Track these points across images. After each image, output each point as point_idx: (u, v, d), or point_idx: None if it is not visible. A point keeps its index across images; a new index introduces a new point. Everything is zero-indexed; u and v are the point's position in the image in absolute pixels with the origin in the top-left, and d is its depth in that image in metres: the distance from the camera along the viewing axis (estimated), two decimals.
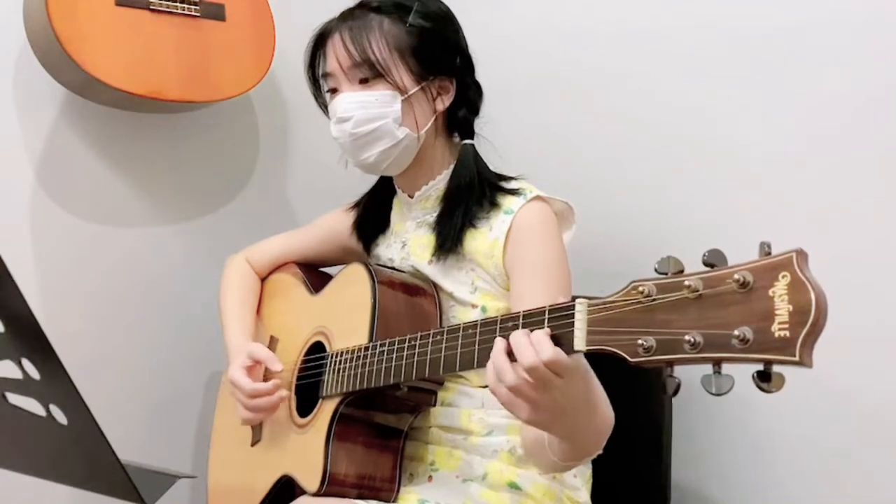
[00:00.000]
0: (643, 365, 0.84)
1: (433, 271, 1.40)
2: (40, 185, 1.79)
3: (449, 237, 1.36)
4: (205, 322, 1.88)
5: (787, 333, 0.73)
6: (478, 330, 1.07)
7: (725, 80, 1.59)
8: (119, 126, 1.87)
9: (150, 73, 1.69)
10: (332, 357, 1.35)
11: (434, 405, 1.33)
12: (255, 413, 1.41)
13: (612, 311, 0.88)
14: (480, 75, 1.45)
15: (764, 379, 0.76)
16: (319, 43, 1.43)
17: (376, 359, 1.24)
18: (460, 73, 1.42)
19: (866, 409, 1.44)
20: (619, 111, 1.72)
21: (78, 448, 0.93)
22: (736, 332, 0.76)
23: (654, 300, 0.84)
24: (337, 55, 1.38)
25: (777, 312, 0.74)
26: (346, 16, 1.40)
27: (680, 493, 1.56)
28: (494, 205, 1.36)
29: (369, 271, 1.36)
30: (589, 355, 0.95)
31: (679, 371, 0.85)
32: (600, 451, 1.16)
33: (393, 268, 1.44)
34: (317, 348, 1.42)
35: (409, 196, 1.46)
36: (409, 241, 1.46)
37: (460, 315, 1.37)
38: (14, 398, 0.94)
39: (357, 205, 1.57)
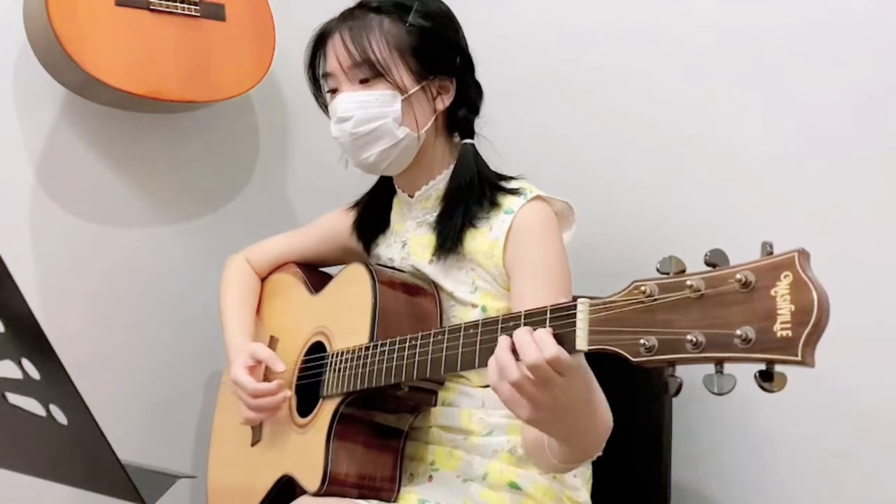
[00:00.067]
0: (645, 365, 0.84)
1: (433, 271, 1.40)
2: (40, 185, 1.79)
3: (449, 237, 1.36)
4: (205, 322, 1.88)
5: (790, 333, 0.73)
6: (479, 330, 1.07)
7: (725, 80, 1.59)
8: (119, 126, 1.87)
9: (150, 73, 1.68)
10: (332, 357, 1.35)
11: (435, 405, 1.33)
12: (257, 413, 1.41)
13: (613, 310, 0.88)
14: (480, 75, 1.45)
15: (766, 379, 0.76)
16: (319, 43, 1.43)
17: (377, 358, 1.24)
18: (460, 73, 1.42)
19: (866, 409, 1.44)
20: (619, 111, 1.72)
21: (78, 448, 0.93)
22: (738, 332, 0.76)
23: (655, 300, 0.84)
24: (337, 55, 1.38)
25: (779, 312, 0.74)
26: (346, 16, 1.40)
27: (680, 493, 1.56)
28: (495, 204, 1.36)
29: (370, 271, 1.35)
30: (590, 355, 0.95)
31: (679, 371, 0.85)
32: (600, 453, 1.16)
33: (393, 268, 1.44)
34: (317, 348, 1.42)
35: (409, 196, 1.46)
36: (409, 241, 1.46)
37: (461, 315, 1.37)
38: (14, 398, 0.94)
39: (357, 205, 1.57)
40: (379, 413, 1.32)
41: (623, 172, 1.72)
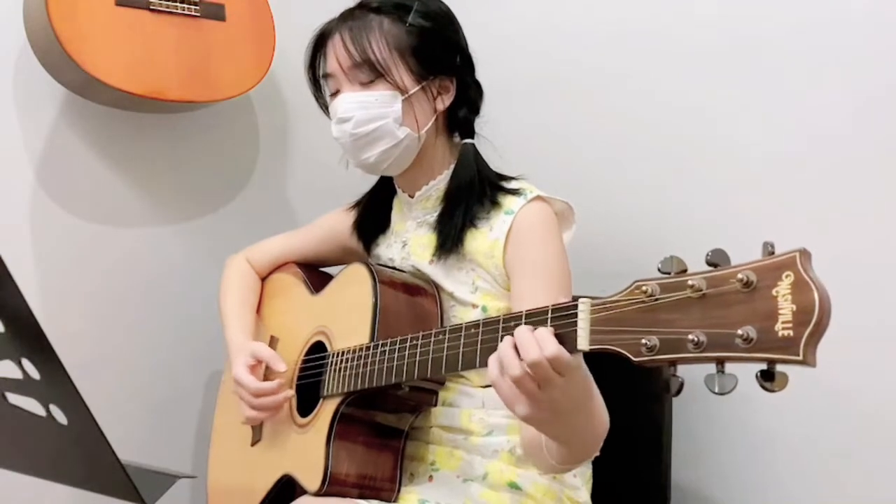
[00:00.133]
0: (646, 364, 0.84)
1: (434, 271, 1.40)
2: (40, 185, 1.79)
3: (450, 237, 1.36)
4: (205, 322, 1.88)
5: (791, 333, 0.73)
6: (480, 329, 1.07)
7: (725, 80, 1.59)
8: (119, 126, 1.87)
9: (150, 73, 1.68)
10: (332, 357, 1.35)
11: (435, 405, 1.33)
12: (259, 412, 1.41)
13: (615, 310, 0.88)
14: (480, 75, 1.45)
15: (767, 378, 0.76)
16: (319, 44, 1.43)
17: (377, 358, 1.24)
18: (460, 73, 1.42)
19: (866, 409, 1.44)
20: (619, 111, 1.72)
21: (78, 448, 0.93)
22: (739, 332, 0.76)
23: (657, 300, 0.84)
24: (337, 56, 1.38)
25: (781, 312, 0.74)
26: (346, 16, 1.40)
27: (680, 493, 1.56)
28: (495, 204, 1.36)
29: (370, 271, 1.35)
30: (590, 355, 0.95)
31: (680, 371, 0.85)
32: (597, 454, 1.16)
33: (394, 268, 1.44)
34: (317, 348, 1.42)
35: (410, 196, 1.46)
36: (409, 241, 1.46)
37: (461, 315, 1.37)
38: (14, 398, 0.94)
39: (357, 205, 1.57)
40: (379, 413, 1.32)
41: (623, 172, 1.72)
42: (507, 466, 1.33)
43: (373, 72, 1.35)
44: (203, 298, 1.87)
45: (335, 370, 1.33)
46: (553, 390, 0.97)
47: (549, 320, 0.97)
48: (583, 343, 0.92)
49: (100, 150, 1.85)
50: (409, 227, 1.47)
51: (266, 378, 1.44)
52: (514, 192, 1.37)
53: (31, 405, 0.92)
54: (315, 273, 1.62)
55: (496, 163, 1.43)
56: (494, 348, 1.00)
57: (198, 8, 1.74)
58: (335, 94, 1.41)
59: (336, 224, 1.59)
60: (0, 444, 1.02)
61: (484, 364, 1.03)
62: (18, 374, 0.89)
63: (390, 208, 1.53)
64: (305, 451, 1.34)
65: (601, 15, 1.75)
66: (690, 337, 0.80)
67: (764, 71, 1.54)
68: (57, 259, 1.81)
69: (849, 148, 1.46)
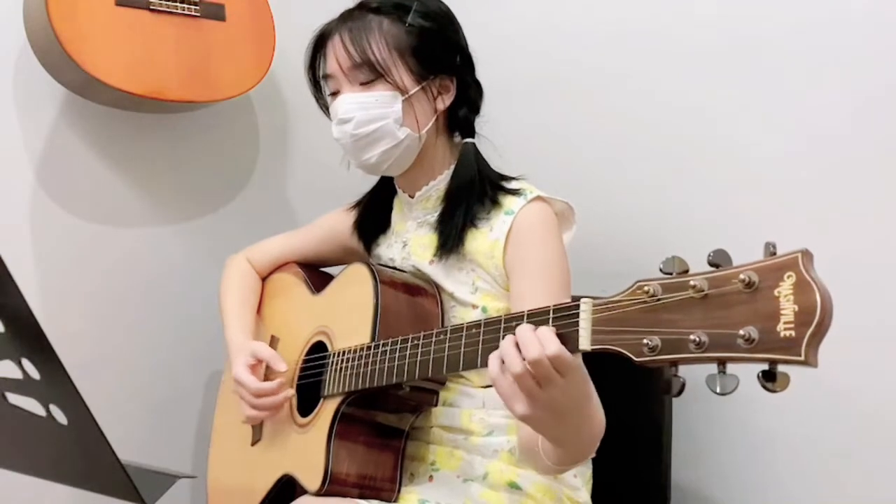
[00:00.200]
0: (648, 364, 0.84)
1: (434, 271, 1.40)
2: (40, 185, 1.79)
3: (451, 236, 1.36)
4: (205, 322, 1.88)
5: (793, 333, 0.73)
6: (482, 329, 1.07)
7: (725, 80, 1.59)
8: (119, 126, 1.87)
9: (150, 73, 1.68)
10: (333, 356, 1.35)
11: (436, 405, 1.33)
12: (259, 412, 1.41)
13: (616, 310, 0.88)
14: (480, 75, 1.45)
15: (769, 379, 0.76)
16: (319, 44, 1.43)
17: (378, 358, 1.24)
18: (460, 72, 1.42)
19: (866, 409, 1.44)
20: (619, 111, 1.72)
21: (78, 448, 0.93)
22: (741, 332, 0.76)
23: (659, 300, 0.84)
24: (337, 57, 1.38)
25: (782, 312, 0.74)
26: (346, 17, 1.40)
27: (680, 493, 1.56)
28: (496, 203, 1.36)
29: (371, 271, 1.35)
30: (591, 355, 0.95)
31: (681, 371, 0.85)
32: (593, 455, 1.16)
33: (394, 268, 1.44)
34: (318, 348, 1.42)
35: (410, 196, 1.46)
36: (409, 241, 1.46)
37: (461, 315, 1.37)
38: (14, 398, 0.94)
39: (358, 205, 1.57)
40: (380, 413, 1.32)
41: (623, 172, 1.72)
42: (507, 466, 1.33)
43: (373, 72, 1.35)
44: (203, 298, 1.87)
45: (336, 370, 1.32)
46: (553, 389, 0.97)
47: (550, 320, 0.97)
48: (584, 343, 0.92)
49: (100, 150, 1.85)
50: (410, 227, 1.47)
51: (266, 378, 1.44)
52: (515, 192, 1.37)
53: (31, 405, 0.92)
54: (316, 273, 1.62)
55: (496, 162, 1.43)
56: (496, 349, 1.00)
57: (198, 8, 1.74)
58: (335, 94, 1.41)
59: (336, 224, 1.59)
60: (0, 444, 1.02)
61: (485, 364, 1.03)
62: (18, 374, 0.89)
63: (391, 208, 1.53)
64: (306, 450, 1.34)
65: (601, 15, 1.75)
66: (692, 337, 0.80)
67: (764, 71, 1.54)
68: (57, 259, 1.81)
69: (849, 148, 1.46)
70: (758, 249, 0.80)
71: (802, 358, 0.73)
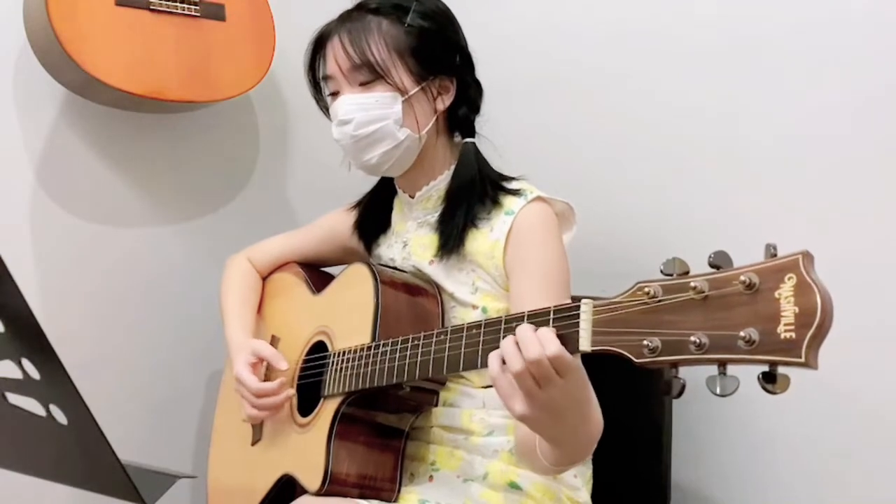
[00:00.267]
0: (648, 366, 0.84)
1: (434, 271, 1.40)
2: (40, 185, 1.79)
3: (452, 236, 1.36)
4: (205, 322, 1.88)
5: (793, 335, 0.73)
6: (482, 330, 1.07)
7: (725, 80, 1.59)
8: (119, 126, 1.87)
9: (150, 73, 1.68)
10: (333, 356, 1.35)
11: (436, 405, 1.33)
12: (260, 411, 1.41)
13: (617, 311, 0.88)
14: (480, 75, 1.45)
15: (769, 380, 0.76)
16: (318, 46, 1.43)
17: (379, 358, 1.24)
18: (460, 72, 1.42)
19: (867, 409, 1.44)
20: (619, 111, 1.72)
21: (78, 448, 0.93)
22: (742, 334, 0.76)
23: (659, 301, 0.84)
24: (336, 58, 1.38)
25: (783, 314, 0.74)
26: (345, 18, 1.40)
27: (680, 493, 1.56)
28: (496, 203, 1.36)
29: (372, 271, 1.35)
30: (590, 356, 0.95)
31: (681, 371, 0.85)
32: (590, 456, 1.16)
33: (395, 268, 1.44)
34: (318, 348, 1.42)
35: (410, 196, 1.46)
36: (410, 241, 1.46)
37: (461, 316, 1.37)
38: (14, 398, 0.94)
39: (358, 205, 1.57)
40: (380, 413, 1.32)
41: (623, 172, 1.72)
42: (507, 466, 1.33)
43: (372, 73, 1.35)
44: (203, 298, 1.88)
45: (336, 370, 1.32)
46: (552, 390, 0.97)
47: (551, 321, 0.97)
48: (585, 344, 0.92)
49: (100, 150, 1.85)
50: (410, 227, 1.47)
51: (268, 377, 1.44)
52: (515, 192, 1.37)
53: (31, 405, 0.92)
54: (316, 273, 1.62)
55: (496, 162, 1.43)
56: (496, 349, 1.00)
57: (198, 8, 1.74)
58: (335, 95, 1.40)
59: (337, 224, 1.59)
60: (0, 444, 1.02)
61: (485, 365, 1.03)
62: (18, 374, 0.89)
63: (391, 208, 1.53)
64: (306, 450, 1.34)
65: (601, 15, 1.75)
66: (692, 338, 0.80)
67: (764, 71, 1.54)
68: (57, 259, 1.81)
69: (849, 148, 1.45)
70: (758, 249, 0.80)
71: (803, 360, 0.73)
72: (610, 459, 1.28)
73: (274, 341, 1.55)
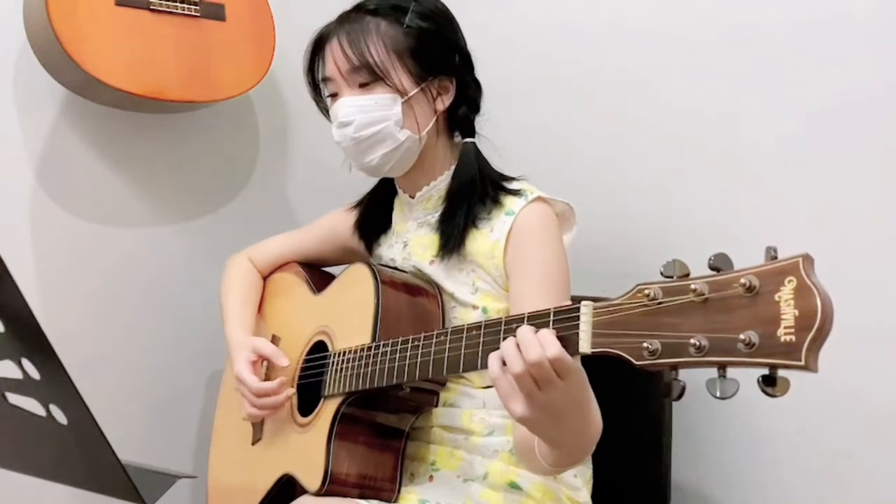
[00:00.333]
0: (648, 368, 0.84)
1: (434, 271, 1.40)
2: (40, 185, 1.79)
3: (452, 237, 1.35)
4: (205, 322, 1.88)
5: (793, 338, 0.73)
6: (482, 331, 1.07)
7: (725, 80, 1.59)
8: (119, 126, 1.87)
9: (150, 73, 1.68)
10: (334, 357, 1.35)
11: (436, 406, 1.33)
12: (260, 411, 1.41)
13: (617, 313, 0.88)
14: (480, 75, 1.45)
15: (769, 383, 0.76)
16: (317, 47, 1.42)
17: (379, 359, 1.24)
18: (460, 72, 1.41)
19: (867, 409, 1.44)
20: (619, 111, 1.72)
21: (78, 448, 0.93)
22: (742, 337, 0.76)
23: (659, 303, 0.84)
24: (335, 60, 1.38)
25: (783, 317, 0.74)
26: (343, 19, 1.39)
27: (680, 493, 1.56)
28: (497, 203, 1.36)
29: (372, 271, 1.35)
30: (590, 357, 0.95)
31: (681, 373, 0.85)
32: (588, 457, 1.16)
33: (395, 268, 1.44)
34: (319, 348, 1.42)
35: (411, 196, 1.46)
36: (410, 242, 1.46)
37: (461, 316, 1.37)
38: (14, 398, 0.94)
39: (358, 205, 1.57)
40: (380, 413, 1.32)
41: (624, 173, 1.72)
42: (507, 466, 1.33)
43: (371, 75, 1.35)
44: (203, 298, 1.88)
45: (336, 370, 1.33)
46: (552, 391, 0.97)
47: (551, 322, 0.97)
48: (584, 346, 0.92)
49: (100, 150, 1.85)
50: (410, 227, 1.47)
51: (268, 376, 1.44)
52: (515, 192, 1.37)
53: (31, 405, 0.92)
54: (317, 273, 1.62)
55: (496, 162, 1.43)
56: (496, 350, 1.00)
57: (198, 8, 1.74)
58: (334, 96, 1.40)
59: (337, 224, 1.59)
60: (0, 444, 1.02)
61: (485, 366, 1.03)
62: (18, 374, 0.89)
63: (391, 208, 1.53)
64: (306, 450, 1.34)
65: (602, 14, 1.75)
66: (692, 341, 0.80)
67: (764, 71, 1.54)
68: (57, 259, 1.81)
69: (849, 148, 1.45)
70: (758, 249, 0.80)
71: (803, 363, 0.73)
72: (610, 459, 1.28)
73: (274, 341, 1.55)
